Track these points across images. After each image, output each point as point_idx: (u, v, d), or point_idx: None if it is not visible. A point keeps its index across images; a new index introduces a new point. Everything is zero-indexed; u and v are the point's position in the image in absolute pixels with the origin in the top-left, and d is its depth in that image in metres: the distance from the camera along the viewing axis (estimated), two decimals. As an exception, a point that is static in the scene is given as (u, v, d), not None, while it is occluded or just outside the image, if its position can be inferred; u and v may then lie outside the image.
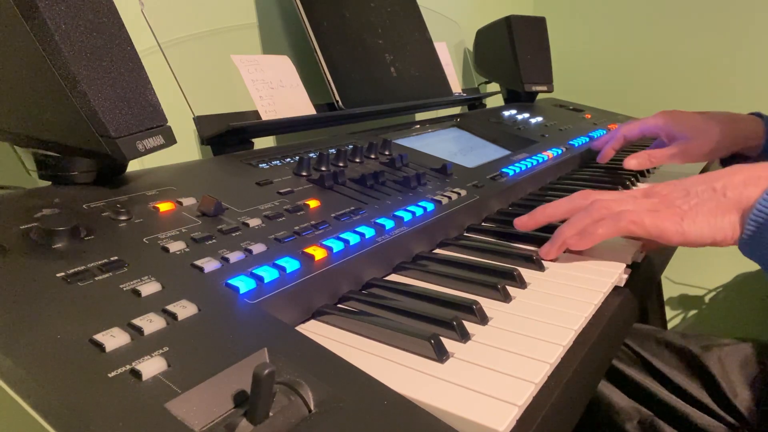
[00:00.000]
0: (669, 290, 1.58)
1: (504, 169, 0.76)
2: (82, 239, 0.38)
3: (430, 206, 0.58)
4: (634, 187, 0.83)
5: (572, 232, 0.52)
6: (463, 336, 0.38)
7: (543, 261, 0.52)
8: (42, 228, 0.36)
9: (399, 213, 0.55)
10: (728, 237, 0.47)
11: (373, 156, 0.70)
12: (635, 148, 0.95)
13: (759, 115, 0.82)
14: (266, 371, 0.25)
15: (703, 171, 0.94)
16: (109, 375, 0.27)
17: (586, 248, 0.52)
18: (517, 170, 0.78)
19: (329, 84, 0.79)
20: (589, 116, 1.28)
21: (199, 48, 0.77)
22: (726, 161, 0.85)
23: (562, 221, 0.55)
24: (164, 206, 0.45)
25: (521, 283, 0.47)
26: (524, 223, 0.57)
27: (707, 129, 0.80)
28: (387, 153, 0.72)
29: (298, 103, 0.77)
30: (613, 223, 0.50)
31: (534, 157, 0.85)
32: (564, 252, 0.55)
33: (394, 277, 0.50)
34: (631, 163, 0.82)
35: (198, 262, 0.38)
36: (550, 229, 0.55)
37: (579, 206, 0.54)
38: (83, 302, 0.32)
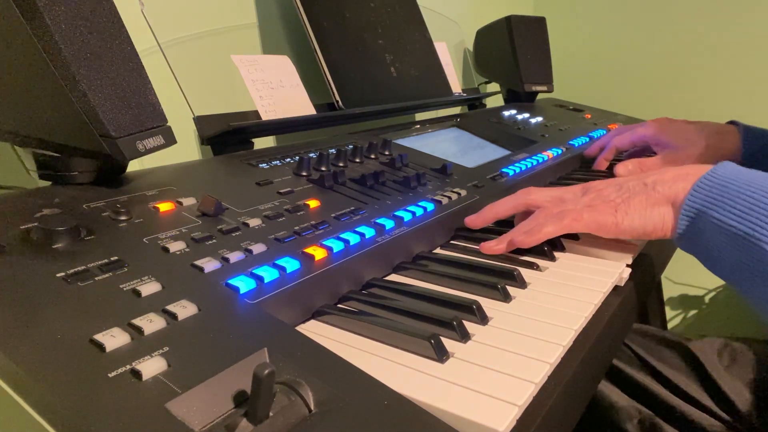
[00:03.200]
0: (669, 290, 1.58)
1: (504, 169, 0.76)
2: (82, 239, 0.38)
3: (430, 206, 0.58)
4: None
5: (520, 236, 0.53)
6: (463, 336, 0.38)
7: (543, 261, 0.52)
8: (42, 228, 0.36)
9: (399, 213, 0.55)
10: (658, 228, 0.49)
11: (373, 156, 0.70)
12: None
13: (735, 123, 0.84)
14: (266, 371, 0.25)
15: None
16: (109, 375, 0.27)
17: (532, 245, 0.53)
18: (517, 170, 0.78)
19: (329, 84, 0.79)
20: (589, 116, 1.28)
21: (199, 48, 0.77)
22: None
23: (510, 218, 0.60)
24: (164, 206, 0.45)
25: (521, 283, 0.47)
26: (473, 221, 0.59)
27: (695, 140, 0.82)
28: (387, 153, 0.72)
29: (298, 103, 0.77)
30: (557, 221, 0.52)
31: (534, 157, 0.85)
32: (564, 252, 0.55)
33: (394, 277, 0.50)
34: (621, 170, 0.84)
35: (198, 262, 0.38)
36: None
37: (521, 202, 0.58)
38: (83, 302, 0.32)
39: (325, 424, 0.27)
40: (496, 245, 0.54)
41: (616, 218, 0.50)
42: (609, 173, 0.91)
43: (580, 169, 0.95)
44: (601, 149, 0.95)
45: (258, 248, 0.42)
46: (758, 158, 0.79)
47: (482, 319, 0.41)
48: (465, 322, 0.39)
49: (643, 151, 0.97)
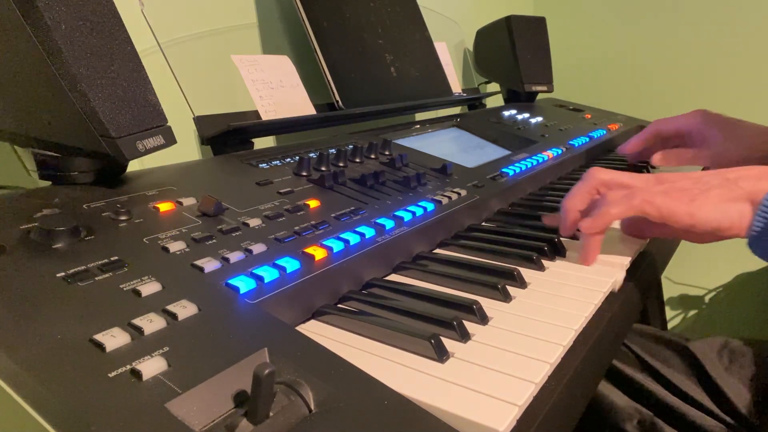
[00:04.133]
0: (669, 290, 1.58)
1: (504, 169, 0.76)
2: (82, 239, 0.38)
3: (430, 206, 0.58)
4: None
5: (586, 223, 0.51)
6: (464, 336, 0.38)
7: (543, 261, 0.52)
8: (42, 228, 0.36)
9: (399, 213, 0.55)
10: (734, 225, 0.47)
11: (373, 156, 0.70)
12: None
13: None
14: (266, 371, 0.25)
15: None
16: (110, 375, 0.27)
17: (599, 230, 0.51)
18: (517, 170, 0.78)
19: (329, 84, 0.79)
20: (589, 116, 1.28)
21: (199, 48, 0.77)
22: None
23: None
24: (164, 206, 0.45)
25: (521, 283, 0.47)
26: (587, 224, 0.53)
27: (743, 137, 0.77)
28: (387, 153, 0.72)
29: (298, 103, 0.77)
30: (627, 201, 0.49)
31: (534, 157, 0.85)
32: (565, 251, 0.55)
33: (394, 277, 0.50)
34: (657, 158, 0.80)
35: (198, 262, 0.38)
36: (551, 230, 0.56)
37: (593, 185, 0.54)
38: (83, 302, 0.32)
39: (325, 424, 0.27)
40: (589, 253, 0.52)
41: (691, 208, 0.47)
42: (613, 166, 0.90)
43: (581, 168, 0.95)
44: (645, 143, 0.87)
45: (258, 248, 0.42)
46: None
47: (482, 319, 0.41)
48: (465, 322, 0.39)
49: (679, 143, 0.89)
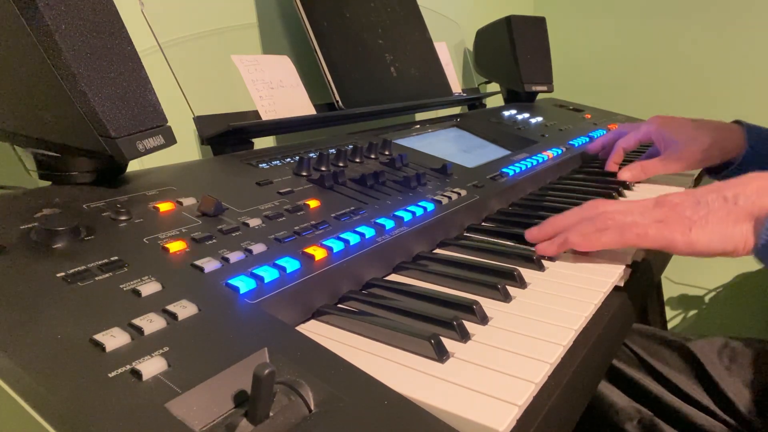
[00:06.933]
0: (669, 290, 1.58)
1: (504, 169, 0.76)
2: (82, 239, 0.38)
3: (430, 206, 0.58)
4: (634, 187, 0.83)
5: (576, 237, 0.51)
6: (463, 336, 0.38)
7: (543, 261, 0.52)
8: (42, 228, 0.36)
9: (399, 213, 0.55)
10: (739, 247, 0.46)
11: (373, 156, 0.70)
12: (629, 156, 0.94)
13: (739, 122, 0.82)
14: (266, 371, 0.25)
15: (696, 179, 0.95)
16: (110, 375, 0.27)
17: (587, 250, 0.52)
18: (517, 170, 0.78)
19: (329, 84, 0.79)
20: (589, 116, 1.28)
21: (199, 48, 0.77)
22: (713, 170, 0.85)
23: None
24: (164, 206, 0.45)
25: (521, 283, 0.47)
26: (534, 235, 0.56)
27: (699, 136, 0.80)
28: (387, 153, 0.72)
29: (298, 103, 0.77)
30: (619, 234, 0.49)
31: (534, 157, 0.85)
32: (565, 252, 0.55)
33: (394, 277, 0.50)
34: (626, 175, 0.82)
35: (198, 262, 0.38)
36: None
37: (589, 216, 0.54)
38: (83, 302, 0.32)
39: (325, 424, 0.27)
40: (549, 246, 0.52)
41: (690, 237, 0.47)
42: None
43: (581, 168, 0.95)
44: (603, 147, 0.93)
45: (258, 248, 0.42)
46: (761, 157, 0.78)
47: (482, 319, 0.41)
48: (465, 322, 0.39)
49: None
